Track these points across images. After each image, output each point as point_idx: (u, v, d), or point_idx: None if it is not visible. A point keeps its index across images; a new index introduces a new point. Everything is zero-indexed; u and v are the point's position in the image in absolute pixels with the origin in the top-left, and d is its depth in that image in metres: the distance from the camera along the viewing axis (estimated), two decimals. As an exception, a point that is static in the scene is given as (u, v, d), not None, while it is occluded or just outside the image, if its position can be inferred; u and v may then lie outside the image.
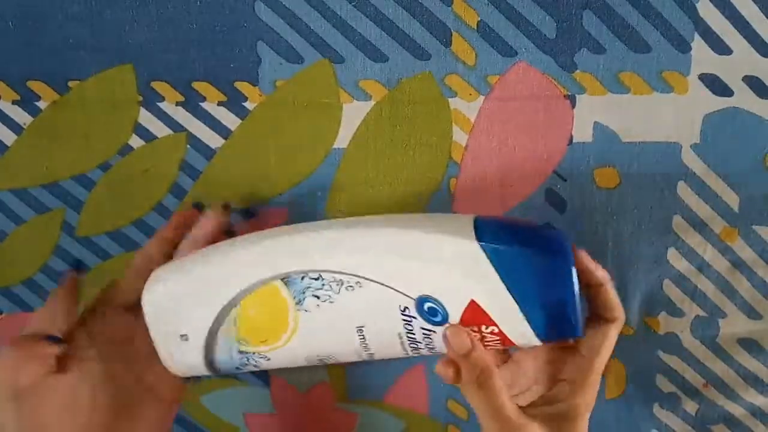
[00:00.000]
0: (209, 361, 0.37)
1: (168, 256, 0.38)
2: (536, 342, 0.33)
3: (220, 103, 0.41)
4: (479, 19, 0.39)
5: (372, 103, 0.41)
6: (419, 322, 0.34)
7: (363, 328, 0.34)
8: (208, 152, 0.42)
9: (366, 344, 0.35)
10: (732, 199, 0.41)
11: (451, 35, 0.39)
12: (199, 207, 0.41)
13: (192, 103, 0.41)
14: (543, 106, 0.40)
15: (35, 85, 0.41)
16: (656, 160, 0.41)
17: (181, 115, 0.41)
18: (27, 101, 0.41)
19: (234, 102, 0.41)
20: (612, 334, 0.35)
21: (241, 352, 0.36)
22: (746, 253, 0.42)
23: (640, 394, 0.45)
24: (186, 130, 0.42)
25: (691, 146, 0.40)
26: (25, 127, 0.42)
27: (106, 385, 0.35)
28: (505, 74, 0.40)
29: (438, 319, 0.33)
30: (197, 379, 0.46)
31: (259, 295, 0.35)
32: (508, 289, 0.32)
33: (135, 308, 0.37)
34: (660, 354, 0.44)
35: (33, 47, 0.40)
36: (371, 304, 0.34)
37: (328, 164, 0.42)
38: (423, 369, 0.45)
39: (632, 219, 0.42)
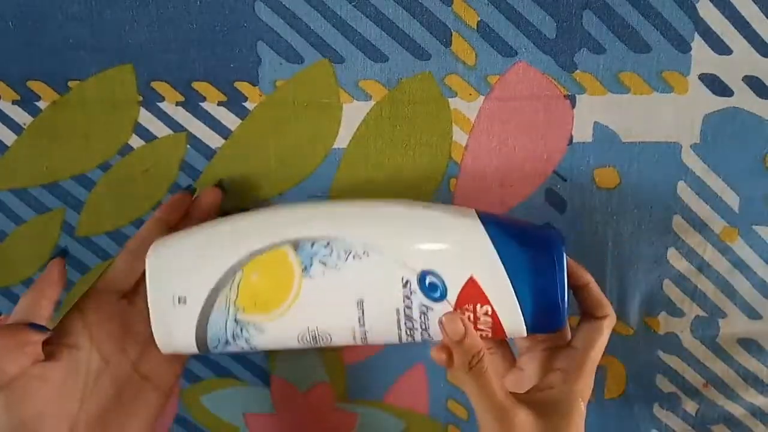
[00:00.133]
0: (201, 333, 0.36)
1: None
2: (523, 330, 0.35)
3: (220, 103, 0.41)
4: (479, 19, 0.39)
5: (372, 103, 0.41)
6: (418, 297, 0.35)
7: (363, 301, 0.35)
8: (208, 152, 0.42)
9: (363, 321, 0.35)
10: (732, 199, 0.41)
11: (451, 35, 0.39)
12: (191, 190, 0.41)
13: (192, 103, 0.41)
14: (543, 106, 0.40)
15: (35, 85, 0.41)
16: (656, 160, 0.41)
17: (181, 115, 0.41)
18: (27, 101, 0.41)
19: (234, 102, 0.41)
20: (605, 330, 0.36)
21: (236, 321, 0.36)
22: (746, 253, 0.42)
23: (640, 394, 0.45)
24: (186, 130, 0.42)
25: (691, 146, 0.40)
26: (25, 127, 0.42)
27: (99, 374, 0.35)
28: (505, 74, 0.40)
29: (437, 295, 0.35)
30: (197, 378, 0.46)
31: (266, 259, 0.35)
32: (506, 270, 0.34)
33: (130, 294, 0.37)
34: (660, 354, 0.44)
35: (33, 47, 0.40)
36: (375, 276, 0.35)
37: (328, 164, 0.42)
38: (423, 369, 0.45)
39: (632, 219, 0.42)
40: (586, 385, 0.36)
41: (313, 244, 0.35)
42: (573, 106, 0.40)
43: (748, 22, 0.38)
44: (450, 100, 0.40)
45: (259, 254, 0.35)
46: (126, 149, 0.42)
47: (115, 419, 0.35)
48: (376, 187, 0.42)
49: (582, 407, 0.35)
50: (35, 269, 0.44)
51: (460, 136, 0.41)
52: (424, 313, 0.35)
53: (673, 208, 0.41)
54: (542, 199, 0.42)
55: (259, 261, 0.35)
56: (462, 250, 0.35)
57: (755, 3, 0.38)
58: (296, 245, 0.35)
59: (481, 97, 0.40)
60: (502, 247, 0.34)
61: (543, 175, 0.41)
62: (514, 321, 0.35)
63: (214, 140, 0.42)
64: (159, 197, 0.43)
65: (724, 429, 0.45)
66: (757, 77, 0.39)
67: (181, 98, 0.41)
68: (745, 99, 0.39)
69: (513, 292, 0.34)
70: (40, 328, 0.34)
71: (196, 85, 0.41)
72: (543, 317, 0.35)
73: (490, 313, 0.35)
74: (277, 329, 0.36)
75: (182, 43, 0.40)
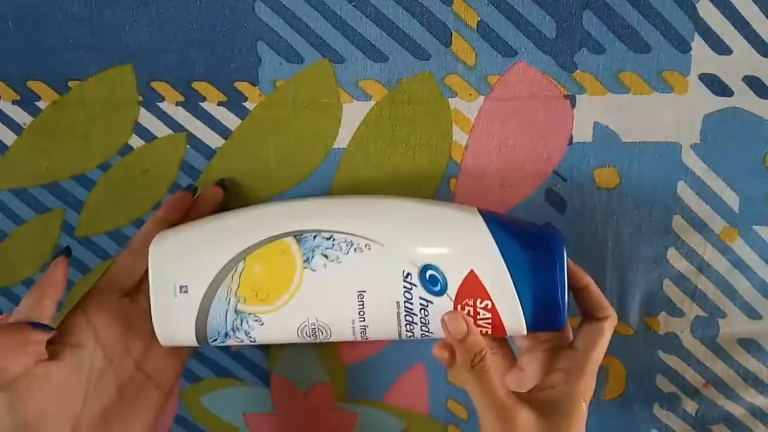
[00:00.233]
0: (201, 325, 0.36)
1: None
2: (523, 328, 0.35)
3: (220, 103, 0.41)
4: (479, 19, 0.39)
5: (372, 103, 0.41)
6: (419, 291, 0.35)
7: (364, 294, 0.35)
8: (208, 152, 0.42)
9: (363, 314, 0.36)
10: (732, 199, 0.41)
11: (451, 35, 0.39)
12: (192, 189, 0.41)
13: (192, 103, 0.41)
14: (543, 106, 0.40)
15: (35, 85, 0.41)
16: (656, 160, 0.41)
17: (181, 115, 0.41)
18: (27, 101, 0.41)
19: (234, 102, 0.41)
20: (606, 331, 0.36)
21: (237, 311, 0.36)
22: (746, 253, 0.42)
23: (640, 394, 0.45)
24: (186, 130, 0.42)
25: (691, 146, 0.40)
26: (25, 127, 0.42)
27: (102, 373, 0.35)
28: (505, 74, 0.40)
29: (437, 288, 0.35)
30: (197, 378, 0.46)
31: (269, 251, 0.35)
32: (507, 267, 0.34)
33: (132, 293, 0.37)
34: (660, 354, 0.44)
35: (33, 47, 0.40)
36: (376, 268, 0.35)
37: (328, 164, 0.42)
38: (423, 369, 0.45)
39: (632, 219, 0.42)
40: (587, 385, 0.36)
41: (315, 237, 0.35)
42: (573, 106, 0.40)
43: (748, 22, 0.38)
44: (450, 100, 0.40)
45: (262, 245, 0.35)
46: (126, 149, 0.42)
47: (117, 418, 0.35)
48: (376, 187, 0.42)
49: (584, 408, 0.35)
50: (35, 269, 0.44)
51: (460, 136, 0.41)
52: (424, 307, 0.35)
53: (673, 208, 0.41)
54: (542, 199, 0.42)
55: (262, 252, 0.35)
56: (463, 246, 0.35)
57: (755, 3, 0.38)
58: (298, 237, 0.35)
59: (481, 97, 0.40)
60: (504, 244, 0.34)
61: (543, 175, 0.41)
62: (514, 318, 0.35)
63: (214, 140, 0.42)
64: (159, 197, 0.43)
65: (724, 429, 0.45)
66: (757, 77, 0.39)
67: (181, 98, 0.41)
68: (745, 99, 0.39)
69: (513, 288, 0.34)
70: (43, 327, 0.33)
71: (196, 85, 0.41)
72: (543, 315, 0.35)
73: (489, 307, 0.35)
74: (278, 321, 0.36)
75: (182, 43, 0.40)
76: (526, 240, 0.35)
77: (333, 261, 0.35)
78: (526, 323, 0.35)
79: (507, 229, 0.35)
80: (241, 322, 0.36)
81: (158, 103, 0.41)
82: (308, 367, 0.46)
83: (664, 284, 0.43)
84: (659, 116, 0.40)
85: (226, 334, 0.36)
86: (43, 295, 0.35)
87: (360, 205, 0.37)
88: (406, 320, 0.36)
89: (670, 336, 0.44)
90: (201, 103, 0.41)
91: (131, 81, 0.41)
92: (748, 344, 0.44)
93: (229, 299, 0.36)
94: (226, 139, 0.42)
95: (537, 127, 0.41)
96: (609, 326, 0.37)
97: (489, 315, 0.35)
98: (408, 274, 0.35)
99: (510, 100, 0.40)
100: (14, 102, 0.41)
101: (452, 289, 0.35)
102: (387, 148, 0.41)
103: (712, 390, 0.44)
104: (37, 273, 0.44)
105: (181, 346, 0.38)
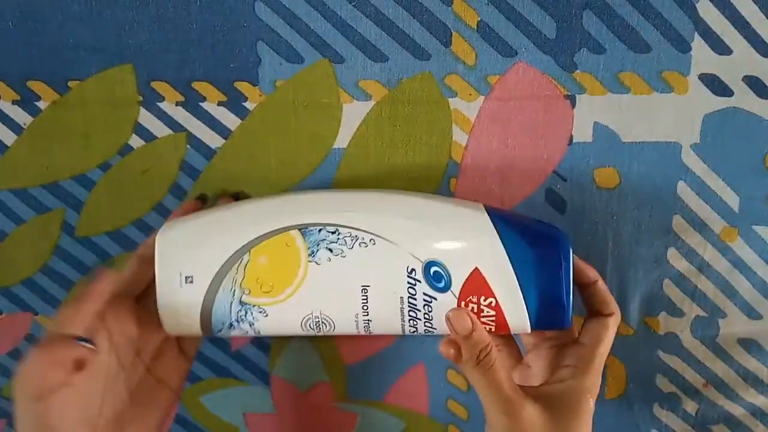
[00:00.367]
0: (206, 314, 0.36)
1: None
2: (527, 325, 0.35)
3: (220, 103, 0.41)
4: (479, 19, 0.39)
5: (372, 103, 0.41)
6: (422, 287, 0.35)
7: (367, 288, 0.35)
8: (208, 152, 0.42)
9: (367, 308, 0.36)
10: (732, 199, 0.41)
11: (451, 35, 0.39)
12: (203, 199, 0.41)
13: (192, 103, 0.41)
14: (543, 106, 0.40)
15: (35, 85, 0.41)
16: (656, 160, 0.41)
17: (181, 115, 0.41)
18: (27, 101, 0.41)
19: (234, 102, 0.41)
20: (611, 326, 0.37)
21: (241, 302, 0.36)
22: (746, 253, 0.42)
23: (640, 394, 0.45)
24: (186, 130, 0.42)
25: (691, 146, 0.40)
26: (25, 127, 0.42)
27: (116, 378, 0.36)
28: (505, 74, 0.40)
29: (441, 285, 0.35)
30: (197, 378, 0.46)
31: (274, 243, 0.36)
32: (511, 264, 0.34)
33: (142, 298, 0.38)
34: (660, 354, 0.44)
35: (33, 47, 0.40)
36: (381, 263, 0.35)
37: (328, 164, 0.42)
38: (423, 369, 0.45)
39: (632, 219, 0.42)
40: (594, 381, 0.36)
41: (320, 230, 0.35)
42: (573, 106, 0.40)
43: (748, 22, 0.38)
44: (450, 100, 0.40)
45: (267, 237, 0.36)
46: (126, 149, 0.42)
47: (130, 421, 0.36)
48: (375, 186, 0.42)
49: (590, 403, 0.35)
50: (35, 269, 0.44)
51: (460, 136, 0.41)
52: (427, 303, 0.35)
53: (673, 208, 0.41)
54: (542, 199, 0.42)
55: (267, 244, 0.36)
56: (469, 242, 0.35)
57: (755, 3, 0.38)
58: (304, 231, 0.36)
59: (481, 97, 0.40)
60: (509, 242, 0.35)
61: (543, 175, 0.41)
62: (518, 316, 0.35)
63: (214, 140, 0.42)
64: (159, 197, 0.43)
65: (724, 429, 0.45)
66: (757, 77, 0.39)
67: (181, 98, 0.41)
68: (745, 99, 0.40)
69: (518, 285, 0.34)
70: (87, 341, 0.34)
71: (196, 85, 0.41)
72: (547, 313, 0.35)
73: (494, 305, 0.35)
74: (282, 314, 0.36)
75: (182, 43, 0.40)
76: (532, 238, 0.35)
77: (338, 255, 0.35)
78: (530, 322, 0.35)
79: (513, 227, 0.35)
80: (246, 313, 0.36)
81: (158, 103, 0.41)
82: (308, 367, 0.46)
83: (664, 284, 0.43)
84: (659, 116, 0.40)
85: (231, 325, 0.37)
86: (84, 307, 0.35)
87: (365, 199, 0.38)
88: (409, 316, 0.36)
89: (670, 336, 0.44)
90: (201, 103, 0.41)
91: (131, 81, 0.41)
92: (748, 344, 0.44)
93: (234, 290, 0.36)
94: (226, 139, 0.42)
95: (537, 127, 0.41)
96: (614, 322, 0.37)
97: (493, 313, 0.35)
98: (412, 269, 0.35)
99: (510, 100, 0.40)
100: (14, 102, 0.41)
101: (456, 286, 0.35)
102: (387, 148, 0.41)
103: (712, 390, 0.44)
104: (37, 273, 0.44)
105: (186, 336, 0.38)
